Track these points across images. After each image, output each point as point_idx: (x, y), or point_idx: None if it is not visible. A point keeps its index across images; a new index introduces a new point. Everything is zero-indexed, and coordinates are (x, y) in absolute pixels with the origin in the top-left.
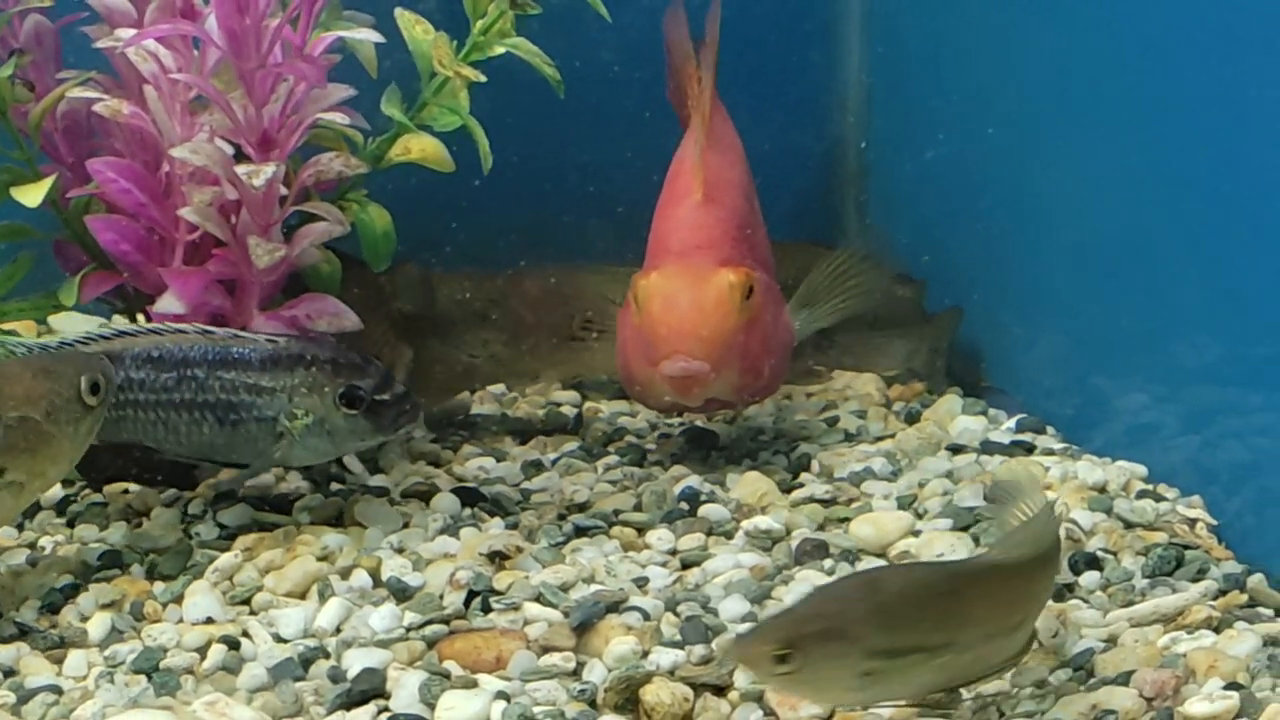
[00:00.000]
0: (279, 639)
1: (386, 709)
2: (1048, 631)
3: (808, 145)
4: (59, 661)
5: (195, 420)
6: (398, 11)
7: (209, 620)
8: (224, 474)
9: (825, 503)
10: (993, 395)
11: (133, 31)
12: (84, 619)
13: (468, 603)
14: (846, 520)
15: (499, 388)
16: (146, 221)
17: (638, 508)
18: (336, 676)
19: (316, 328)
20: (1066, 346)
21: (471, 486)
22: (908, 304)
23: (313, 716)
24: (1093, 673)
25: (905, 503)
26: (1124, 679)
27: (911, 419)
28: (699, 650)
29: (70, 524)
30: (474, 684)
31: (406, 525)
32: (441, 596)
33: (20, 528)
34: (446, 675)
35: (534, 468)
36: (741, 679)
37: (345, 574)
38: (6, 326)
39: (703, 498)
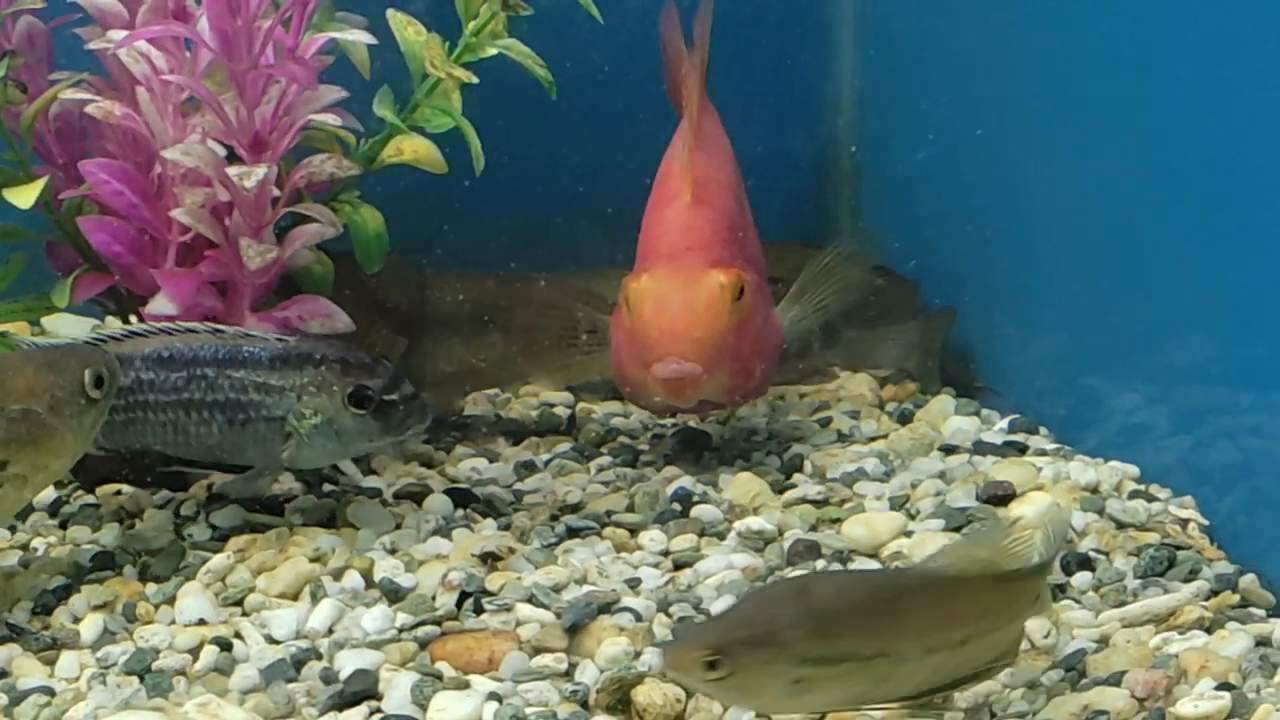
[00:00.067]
0: (271, 640)
1: (378, 710)
2: (1040, 631)
3: (801, 147)
4: (51, 663)
5: (204, 420)
6: (390, 13)
7: (201, 621)
8: (217, 477)
9: (818, 503)
10: (985, 396)
11: (125, 33)
12: (76, 620)
13: (460, 604)
14: (839, 521)
15: (492, 390)
16: (139, 223)
17: (630, 509)
18: (329, 678)
19: (309, 329)
20: (1059, 347)
21: (464, 487)
22: (901, 304)
23: (305, 718)
24: (1085, 673)
25: (898, 503)
26: (1116, 679)
27: (904, 419)
28: None
29: (63, 525)
30: (466, 685)
31: (399, 526)
32: (434, 597)
33: (13, 529)
34: (439, 676)
35: (527, 469)
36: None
37: (337, 575)
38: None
39: (695, 499)
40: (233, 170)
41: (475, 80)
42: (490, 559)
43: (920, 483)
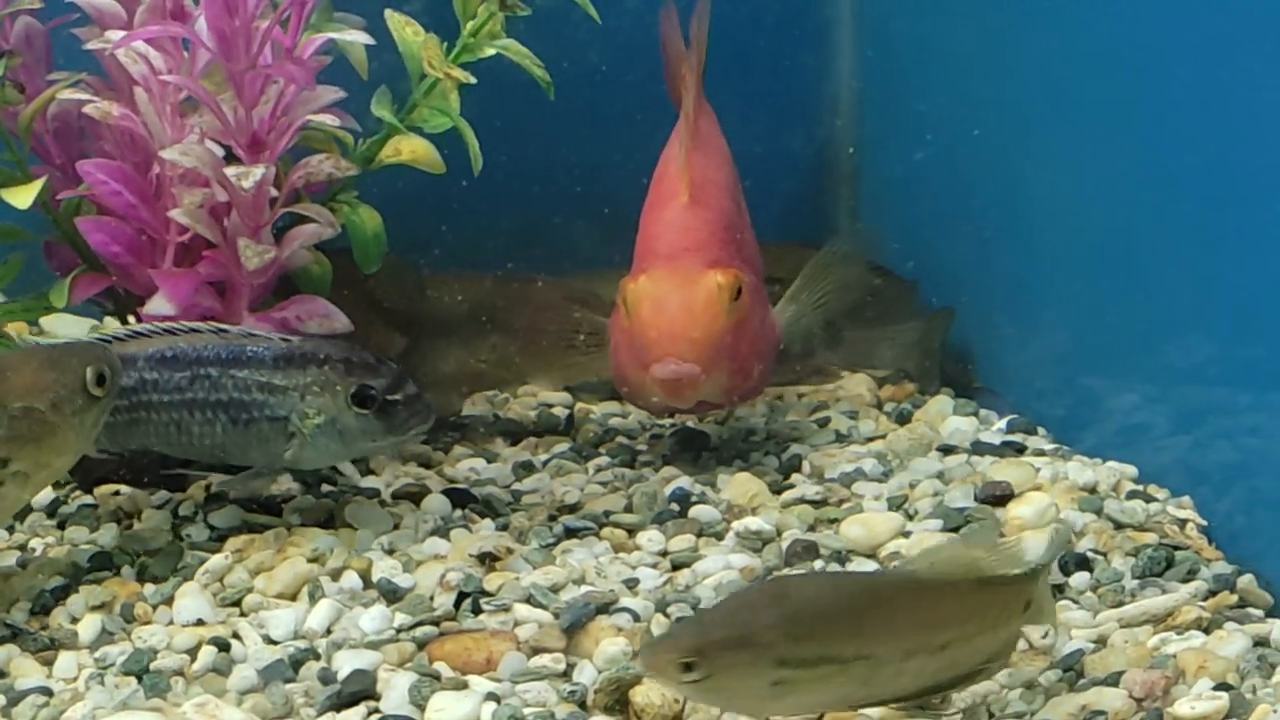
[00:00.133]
0: (269, 640)
1: (376, 710)
2: (1037, 632)
3: (799, 147)
4: (49, 663)
5: (208, 420)
6: (388, 13)
7: (199, 622)
8: (216, 478)
9: (816, 503)
10: (984, 396)
11: (122, 33)
12: (74, 621)
13: (458, 604)
14: (837, 521)
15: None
16: (137, 223)
17: (628, 509)
18: (327, 678)
19: (307, 329)
20: (1057, 347)
21: (462, 488)
22: (900, 304)
23: (303, 718)
24: (1082, 673)
25: (896, 503)
26: (1114, 680)
27: (903, 420)
28: None
29: (61, 526)
30: (464, 685)
31: (397, 527)
32: (432, 598)
33: (11, 530)
34: (437, 676)
35: (525, 469)
36: None
37: (336, 575)
38: None
39: (693, 499)
40: (231, 170)
41: (473, 80)
42: (488, 559)
43: (918, 483)
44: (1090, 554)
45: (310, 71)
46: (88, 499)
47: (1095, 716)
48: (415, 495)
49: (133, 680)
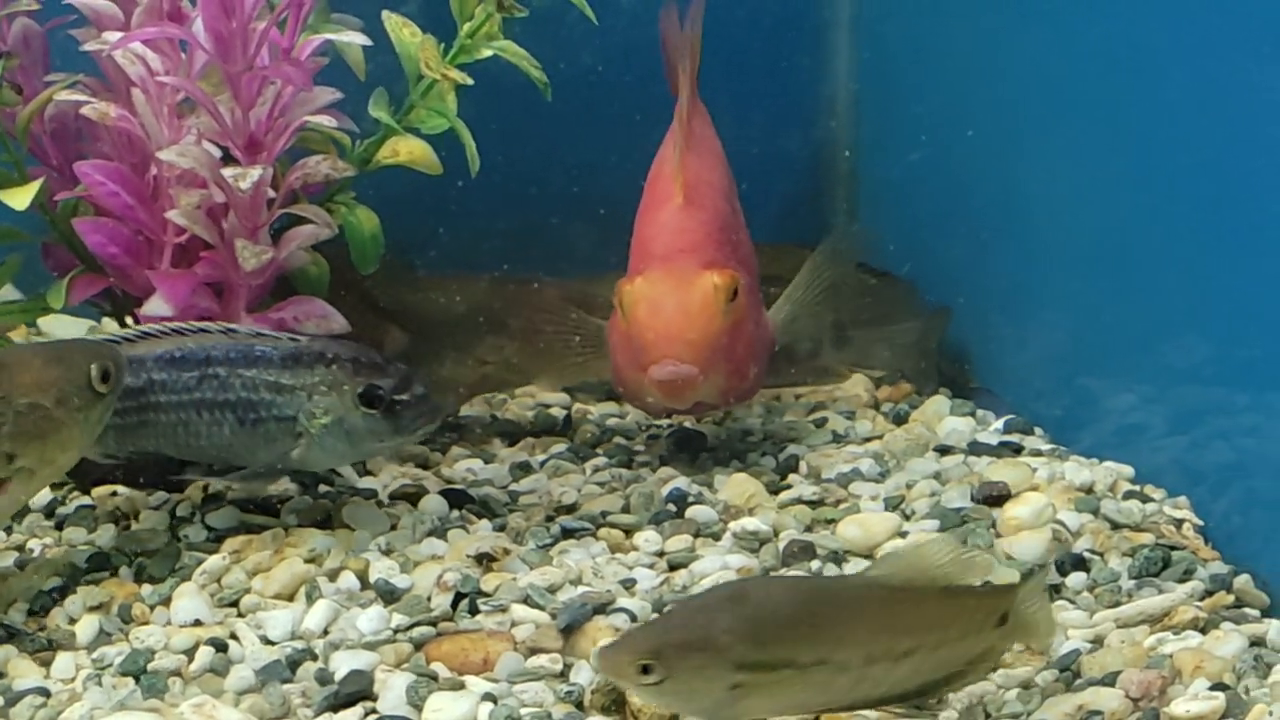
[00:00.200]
0: (266, 641)
1: (374, 711)
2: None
3: (796, 149)
4: (47, 664)
5: (216, 421)
6: (385, 14)
7: (197, 622)
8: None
9: (813, 504)
10: (981, 396)
11: (120, 34)
12: (72, 621)
13: (455, 604)
14: (834, 521)
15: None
16: (134, 224)
17: (625, 509)
18: (324, 678)
19: (304, 330)
20: (1055, 348)
21: (459, 488)
22: (898, 305)
23: (300, 718)
24: (1079, 673)
25: (893, 504)
26: (1110, 679)
27: (900, 420)
28: None
29: (58, 526)
30: (461, 686)
31: (394, 527)
32: (429, 598)
33: (9, 530)
34: (434, 677)
35: (522, 469)
36: None
37: (333, 576)
38: None
39: (690, 499)
40: (228, 171)
41: (470, 82)
42: (485, 560)
43: (915, 483)
44: (1087, 554)
45: (307, 73)
46: (85, 500)
47: (1092, 717)
48: (413, 496)
49: (130, 681)
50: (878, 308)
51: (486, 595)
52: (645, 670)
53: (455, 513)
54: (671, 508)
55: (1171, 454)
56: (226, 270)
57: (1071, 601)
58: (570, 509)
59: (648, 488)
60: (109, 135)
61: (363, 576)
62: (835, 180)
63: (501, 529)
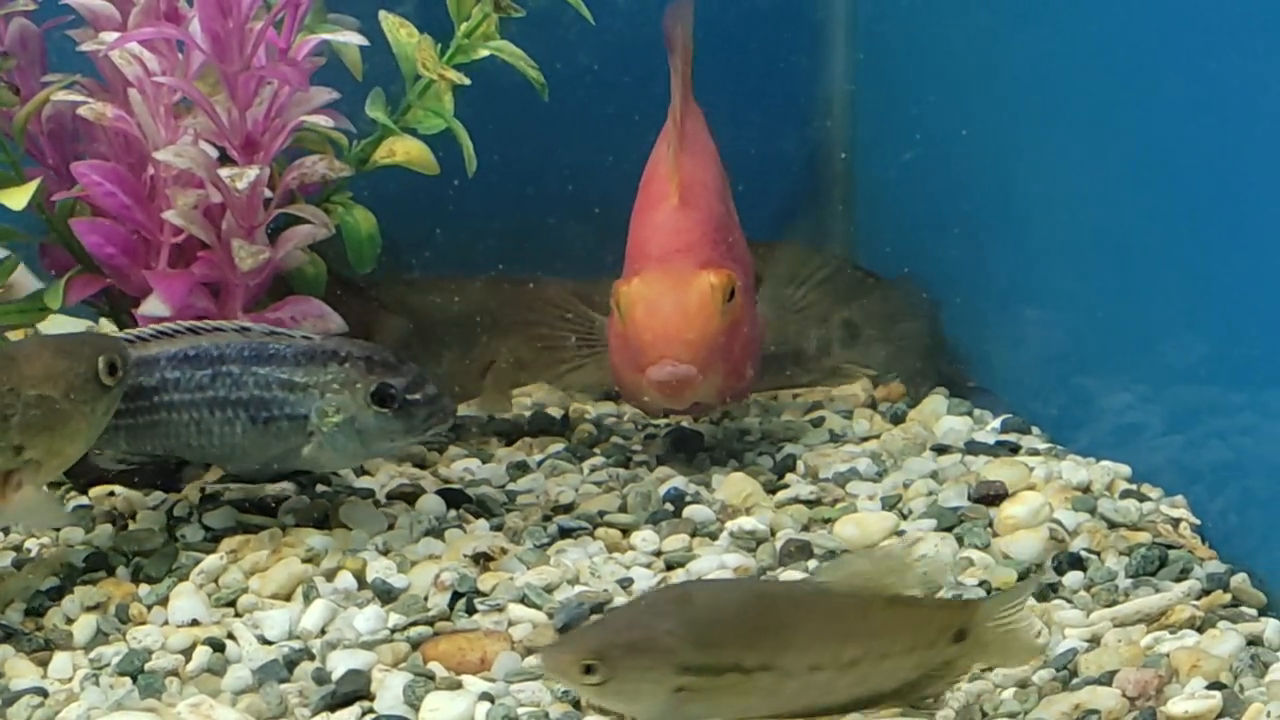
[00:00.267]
0: (264, 641)
1: (371, 710)
2: (1031, 631)
3: (793, 149)
4: (44, 664)
5: (229, 419)
6: (382, 14)
7: (194, 622)
8: (214, 477)
9: (810, 503)
10: (978, 395)
11: (117, 35)
12: (69, 621)
13: (452, 604)
14: (831, 521)
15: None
16: (131, 224)
17: (623, 509)
18: (321, 678)
19: (301, 330)
20: (1052, 347)
21: (457, 488)
22: (895, 304)
23: (297, 718)
24: (1076, 672)
25: (890, 503)
26: (1107, 679)
27: (897, 419)
28: None
29: (56, 526)
30: (458, 685)
31: (391, 527)
32: (426, 598)
33: (6, 530)
34: (431, 676)
35: (519, 469)
36: None
37: (330, 576)
38: None
39: (688, 499)
40: (225, 172)
41: (467, 82)
42: (482, 559)
43: (912, 482)
44: (1084, 553)
45: (304, 73)
46: (83, 499)
47: (1089, 715)
48: (410, 495)
49: (128, 680)
50: (883, 307)
51: (484, 595)
52: (588, 670)
53: (452, 512)
54: (669, 507)
55: (1168, 453)
56: (223, 270)
57: (1068, 601)
58: (567, 508)
59: (645, 487)
60: (106, 135)
61: (360, 576)
62: (831, 180)
63: (499, 528)
